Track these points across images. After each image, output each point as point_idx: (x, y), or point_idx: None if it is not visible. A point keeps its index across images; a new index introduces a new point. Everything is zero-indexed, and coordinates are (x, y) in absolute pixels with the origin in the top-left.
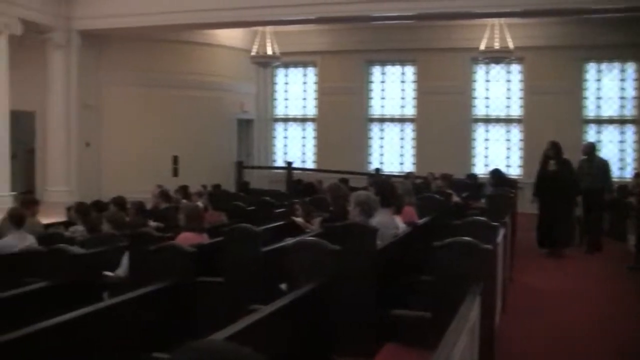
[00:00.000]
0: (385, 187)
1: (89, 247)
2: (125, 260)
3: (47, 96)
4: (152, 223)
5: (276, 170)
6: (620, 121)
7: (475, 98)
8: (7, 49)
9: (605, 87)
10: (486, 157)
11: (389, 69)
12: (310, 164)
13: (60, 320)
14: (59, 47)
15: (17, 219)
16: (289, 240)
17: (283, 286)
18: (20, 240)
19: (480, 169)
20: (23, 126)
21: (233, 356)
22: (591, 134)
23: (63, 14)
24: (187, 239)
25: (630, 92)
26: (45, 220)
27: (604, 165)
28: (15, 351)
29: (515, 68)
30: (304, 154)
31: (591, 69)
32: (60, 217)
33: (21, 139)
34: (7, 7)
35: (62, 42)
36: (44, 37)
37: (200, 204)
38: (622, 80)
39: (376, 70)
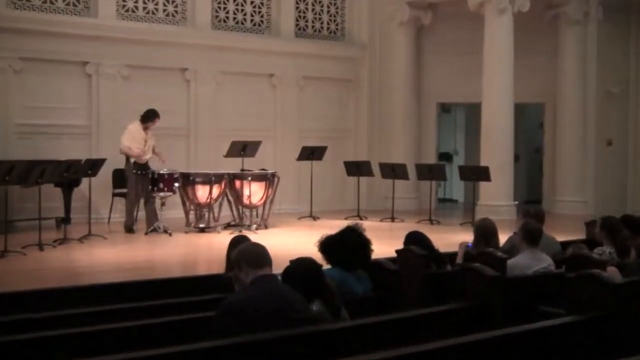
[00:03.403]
0: None
1: (624, 273)
2: None
3: (559, 84)
4: None
5: None
6: None
7: None
8: (512, 29)
9: None
10: None
11: None
12: None
13: None
14: (574, 24)
15: (534, 234)
16: None
17: None
18: (535, 261)
19: None
20: (529, 121)
21: None
22: None
23: None
24: None
25: None
26: (557, 237)
27: None
28: None
29: None
30: None
31: None
32: (576, 234)
33: (525, 137)
34: None
35: (578, 17)
36: (555, 12)
37: None
38: None
39: None
